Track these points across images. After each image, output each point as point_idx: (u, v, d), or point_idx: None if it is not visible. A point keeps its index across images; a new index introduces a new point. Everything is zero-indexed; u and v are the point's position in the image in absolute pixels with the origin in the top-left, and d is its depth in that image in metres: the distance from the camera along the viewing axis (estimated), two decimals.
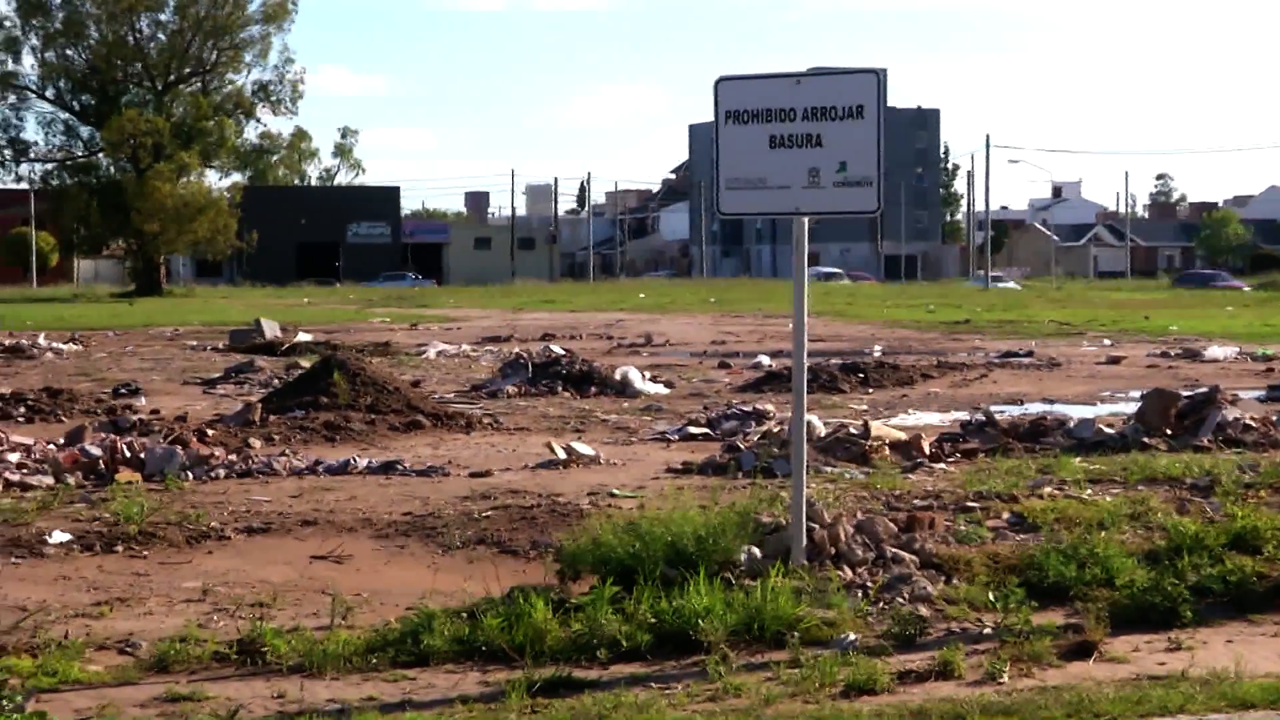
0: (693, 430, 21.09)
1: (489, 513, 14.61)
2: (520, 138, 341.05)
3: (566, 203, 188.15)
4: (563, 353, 31.43)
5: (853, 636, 9.60)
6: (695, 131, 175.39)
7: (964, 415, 22.16)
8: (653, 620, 9.61)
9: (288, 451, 18.94)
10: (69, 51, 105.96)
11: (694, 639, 9.46)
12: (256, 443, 19.55)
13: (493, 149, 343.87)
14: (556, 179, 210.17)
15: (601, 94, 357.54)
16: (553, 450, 18.52)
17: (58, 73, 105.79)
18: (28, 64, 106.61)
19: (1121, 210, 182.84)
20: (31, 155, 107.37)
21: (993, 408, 22.61)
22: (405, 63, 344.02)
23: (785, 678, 8.87)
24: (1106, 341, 42.39)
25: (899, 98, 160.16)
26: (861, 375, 28.83)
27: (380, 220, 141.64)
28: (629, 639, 9.44)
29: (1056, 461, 17.11)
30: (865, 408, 24.48)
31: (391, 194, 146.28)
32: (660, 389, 27.99)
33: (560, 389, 27.33)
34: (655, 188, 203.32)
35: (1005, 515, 13.78)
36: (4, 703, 7.97)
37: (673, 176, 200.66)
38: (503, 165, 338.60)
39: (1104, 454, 17.83)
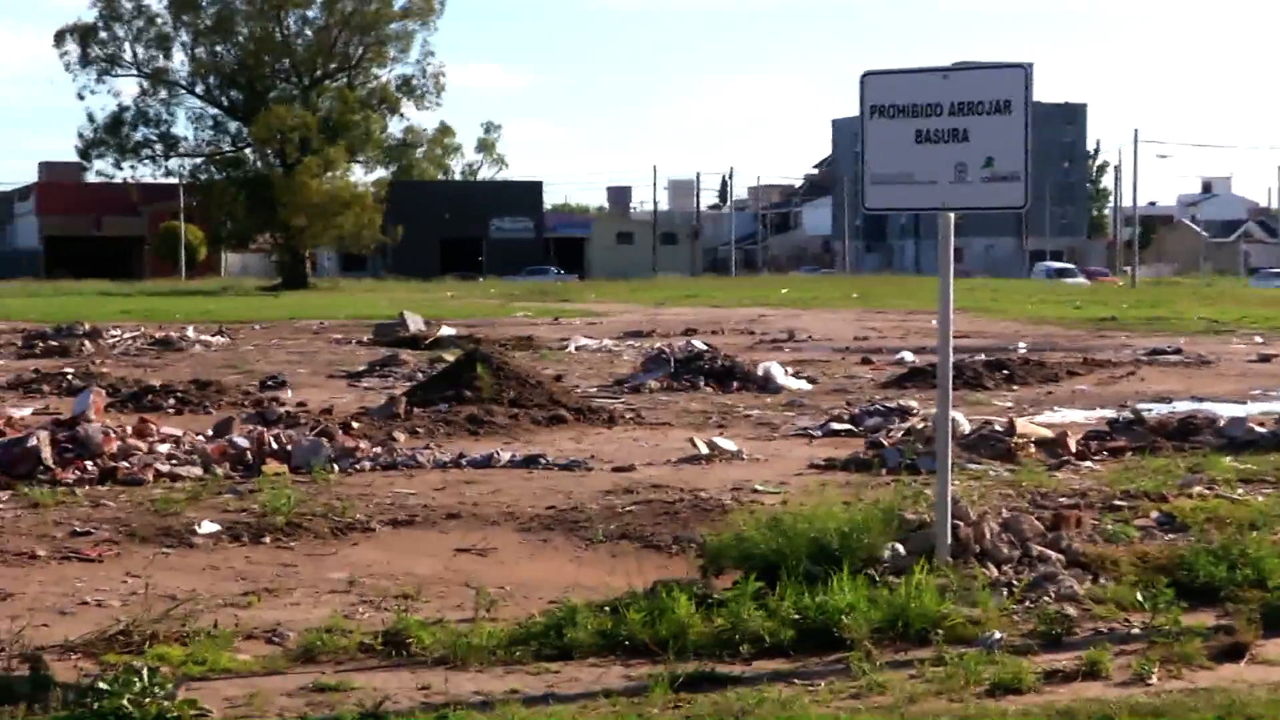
0: (836, 426, 21.00)
1: (632, 507, 14.63)
2: (663, 132, 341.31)
3: (709, 197, 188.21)
4: (705, 348, 31.38)
5: (998, 635, 9.51)
6: (839, 126, 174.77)
7: (1111, 413, 21.89)
8: (796, 616, 9.57)
9: (432, 444, 19.07)
10: (218, 48, 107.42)
11: (837, 636, 9.41)
12: (401, 435, 19.70)
13: (635, 144, 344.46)
14: (699, 174, 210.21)
15: (744, 89, 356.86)
16: (695, 445, 18.52)
17: (207, 69, 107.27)
18: (178, 60, 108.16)
19: (1273, 206, 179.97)
20: (181, 150, 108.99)
21: (1140, 405, 22.35)
22: (549, 58, 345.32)
23: (929, 675, 8.80)
24: (1258, 339, 41.71)
25: (1046, 92, 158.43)
26: (1006, 372, 28.58)
27: (523, 215, 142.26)
28: (772, 635, 9.41)
29: (1206, 460, 16.87)
30: (1010, 404, 24.26)
31: (534, 189, 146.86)
32: (803, 385, 27.88)
33: (702, 384, 27.31)
34: (798, 183, 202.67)
35: (1154, 514, 13.61)
36: (155, 690, 8.08)
37: (815, 171, 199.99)
38: (645, 160, 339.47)
39: (1256, 453, 17.54)
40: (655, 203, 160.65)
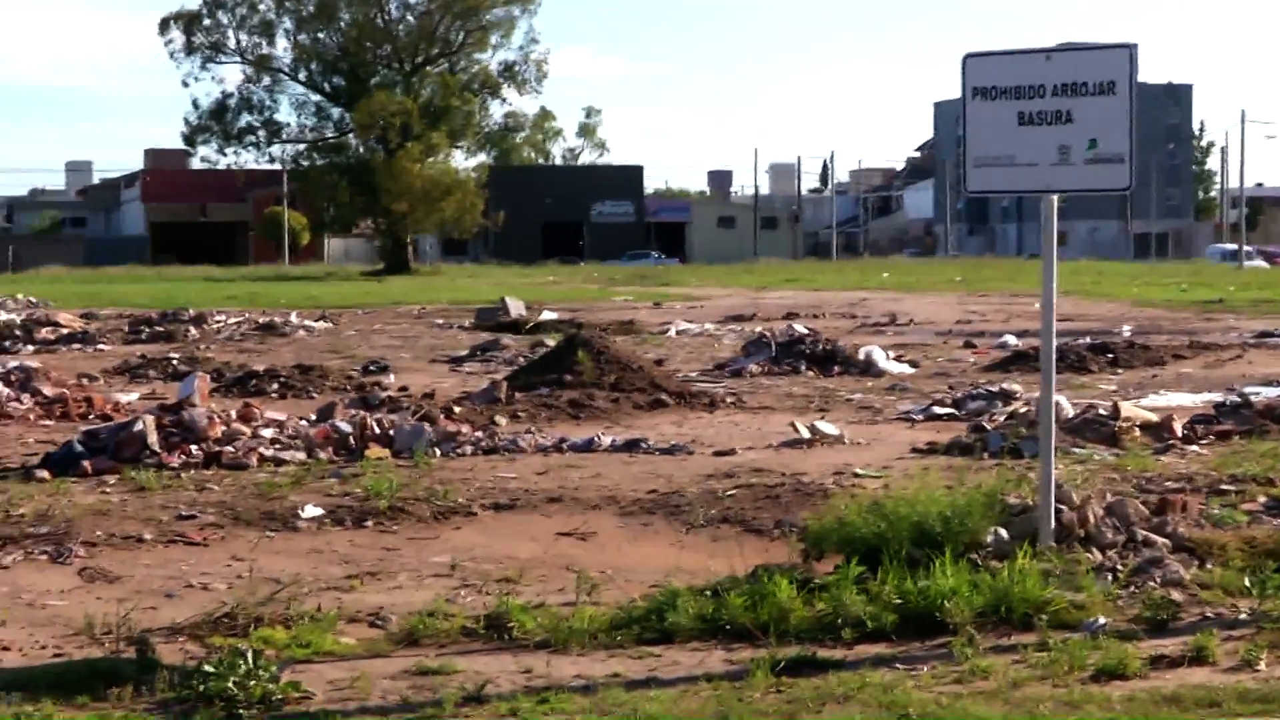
0: (938, 410, 20.89)
1: (733, 491, 14.61)
2: (764, 116, 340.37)
3: (810, 181, 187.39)
4: (806, 331, 31.29)
5: (1102, 620, 9.42)
6: (941, 108, 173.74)
7: (1218, 396, 21.63)
8: (898, 601, 9.52)
9: (533, 429, 19.12)
10: (320, 35, 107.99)
11: (939, 620, 9.35)
12: (503, 420, 19.76)
13: (736, 127, 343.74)
14: (800, 157, 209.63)
15: (846, 71, 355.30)
16: (797, 429, 18.47)
17: (310, 55, 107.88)
18: (281, 47, 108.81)
19: None
20: (284, 136, 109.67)
21: (1247, 389, 22.08)
22: (650, 42, 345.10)
23: (1033, 660, 8.73)
24: None
25: (1151, 74, 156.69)
26: (1110, 355, 28.33)
27: (624, 199, 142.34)
28: (874, 619, 9.37)
29: None
30: (1114, 388, 24.04)
31: (635, 173, 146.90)
32: (905, 368, 27.76)
33: (804, 368, 27.24)
34: (899, 166, 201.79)
35: (1262, 499, 13.44)
36: (260, 673, 8.14)
37: (917, 154, 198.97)
38: (746, 144, 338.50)
39: None
40: (756, 186, 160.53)
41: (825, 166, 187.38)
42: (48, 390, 22.23)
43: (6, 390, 21.86)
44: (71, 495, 14.65)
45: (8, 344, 36.00)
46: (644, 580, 10.98)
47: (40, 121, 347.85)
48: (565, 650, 9.10)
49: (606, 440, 18.00)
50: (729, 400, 22.70)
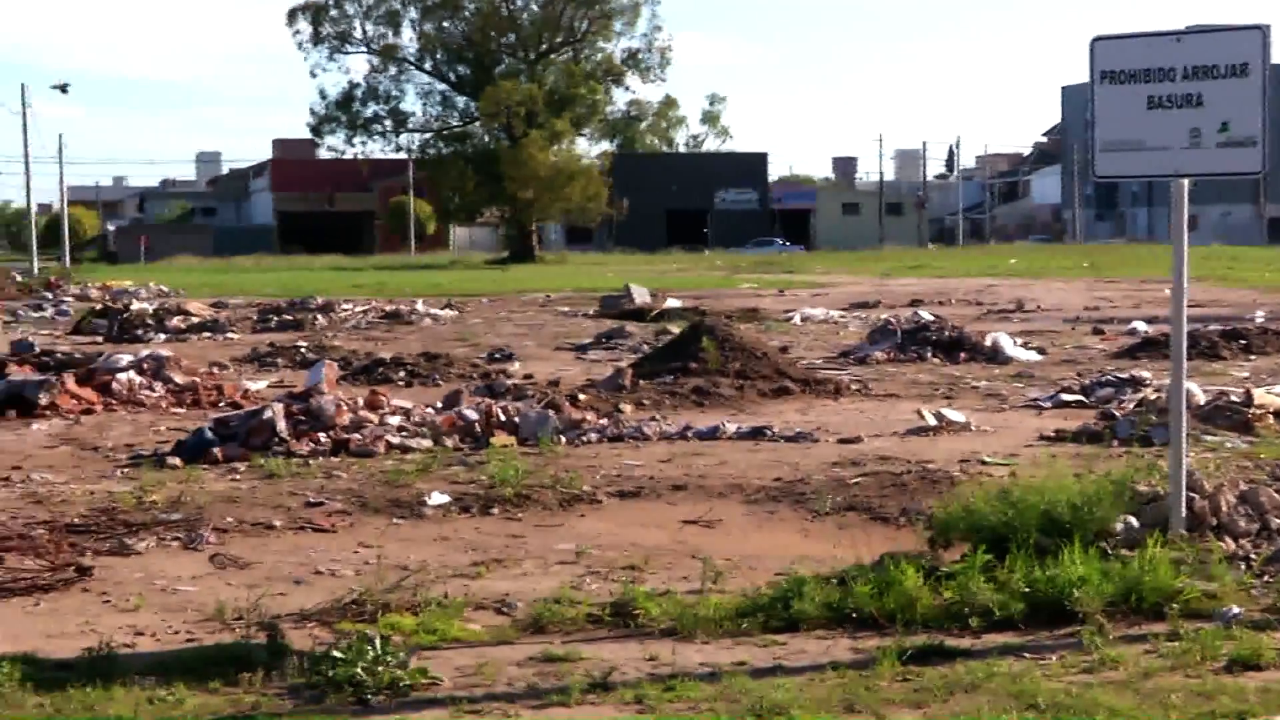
0: (1066, 397, 20.70)
1: (858, 479, 14.55)
2: (889, 102, 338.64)
3: (935, 167, 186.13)
4: (932, 318, 31.14)
5: (1236, 610, 9.29)
6: (1068, 93, 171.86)
7: None
8: (1026, 589, 9.44)
9: (658, 416, 19.13)
10: (446, 24, 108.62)
11: (1068, 609, 9.25)
12: (627, 407, 19.79)
13: (861, 114, 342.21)
14: (925, 143, 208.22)
15: (972, 56, 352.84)
16: (922, 417, 18.37)
17: (435, 45, 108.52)
18: (406, 37, 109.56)
19: None
20: (410, 126, 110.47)
21: None
22: (774, 28, 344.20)
23: (1164, 650, 8.62)
24: None
25: None
26: (1243, 342, 27.94)
27: (748, 186, 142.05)
28: (1002, 608, 9.29)
29: None
30: (1247, 375, 23.71)
31: (759, 160, 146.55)
32: (1032, 355, 27.54)
33: (929, 355, 27.10)
34: (1026, 151, 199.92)
35: None
36: (388, 659, 8.20)
37: (1044, 139, 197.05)
38: (870, 130, 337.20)
39: None
40: (881, 173, 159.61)
41: (951, 152, 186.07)
42: (179, 378, 22.51)
43: (139, 378, 22.15)
44: (202, 482, 14.83)
45: (140, 333, 36.51)
46: (769, 568, 10.95)
47: (172, 113, 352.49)
48: (691, 638, 9.09)
49: (731, 428, 17.98)
50: (854, 387, 22.61)
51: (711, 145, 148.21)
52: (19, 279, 69.53)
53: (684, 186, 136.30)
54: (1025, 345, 28.58)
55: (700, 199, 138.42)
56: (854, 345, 29.74)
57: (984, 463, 15.46)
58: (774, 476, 14.84)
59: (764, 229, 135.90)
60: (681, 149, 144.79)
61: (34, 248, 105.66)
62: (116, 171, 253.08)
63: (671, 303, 43.41)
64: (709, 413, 19.92)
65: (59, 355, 27.12)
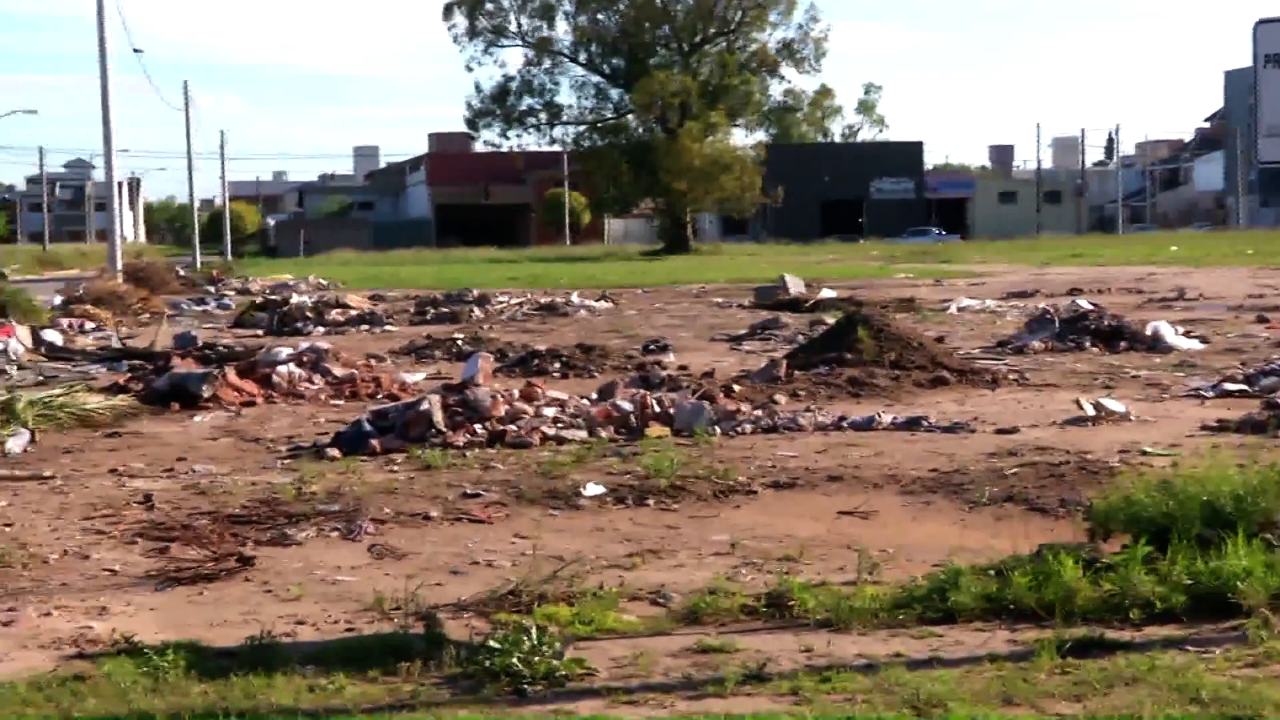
0: (1229, 387, 20.38)
1: (1016, 469, 14.41)
2: (1046, 89, 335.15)
3: (1094, 154, 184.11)
4: (1090, 307, 30.78)
5: None
6: (1231, 77, 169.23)
7: None
8: (1188, 581, 9.29)
9: (813, 407, 19.06)
10: (600, 16, 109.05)
11: (1232, 602, 9.09)
12: (782, 398, 19.74)
13: (1017, 101, 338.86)
14: (1084, 130, 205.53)
15: (1132, 40, 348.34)
16: (1081, 407, 18.16)
17: (589, 37, 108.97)
18: (561, 30, 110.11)
19: None
20: (565, 118, 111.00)
21: None
22: (930, 15, 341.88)
23: None
24: None
25: None
26: None
27: (903, 176, 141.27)
28: (1163, 600, 9.16)
29: None
30: None
31: (915, 149, 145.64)
32: (1194, 344, 27.14)
33: (1088, 344, 26.78)
34: (1188, 137, 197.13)
35: None
36: (544, 649, 8.23)
37: (1206, 125, 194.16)
38: (1027, 117, 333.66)
39: None
40: (1039, 161, 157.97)
41: (1110, 139, 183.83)
42: (337, 371, 22.76)
43: (299, 371, 22.42)
44: (361, 473, 14.98)
45: (299, 325, 37.02)
46: (926, 559, 10.88)
47: (330, 108, 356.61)
48: (846, 629, 9.05)
49: (887, 418, 17.88)
50: (1011, 377, 22.40)
51: (867, 134, 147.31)
52: (182, 273, 70.72)
53: (839, 176, 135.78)
54: (1187, 334, 28.16)
55: (855, 189, 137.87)
56: (1011, 335, 29.46)
57: (1144, 453, 15.25)
58: (930, 467, 14.74)
59: (920, 218, 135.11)
60: (837, 138, 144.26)
61: (196, 242, 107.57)
62: (277, 167, 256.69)
63: (826, 293, 43.25)
64: (864, 403, 19.83)
65: (221, 348, 27.59)
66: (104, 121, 59.85)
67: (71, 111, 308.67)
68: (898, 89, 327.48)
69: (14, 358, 27.02)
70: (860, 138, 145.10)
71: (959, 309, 39.22)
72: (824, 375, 21.72)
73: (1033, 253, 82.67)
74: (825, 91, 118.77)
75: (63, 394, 19.99)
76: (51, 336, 31.48)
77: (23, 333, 30.09)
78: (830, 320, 30.08)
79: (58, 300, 46.04)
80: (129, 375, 23.75)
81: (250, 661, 8.37)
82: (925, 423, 17.63)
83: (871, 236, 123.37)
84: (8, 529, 12.66)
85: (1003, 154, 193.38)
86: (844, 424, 17.72)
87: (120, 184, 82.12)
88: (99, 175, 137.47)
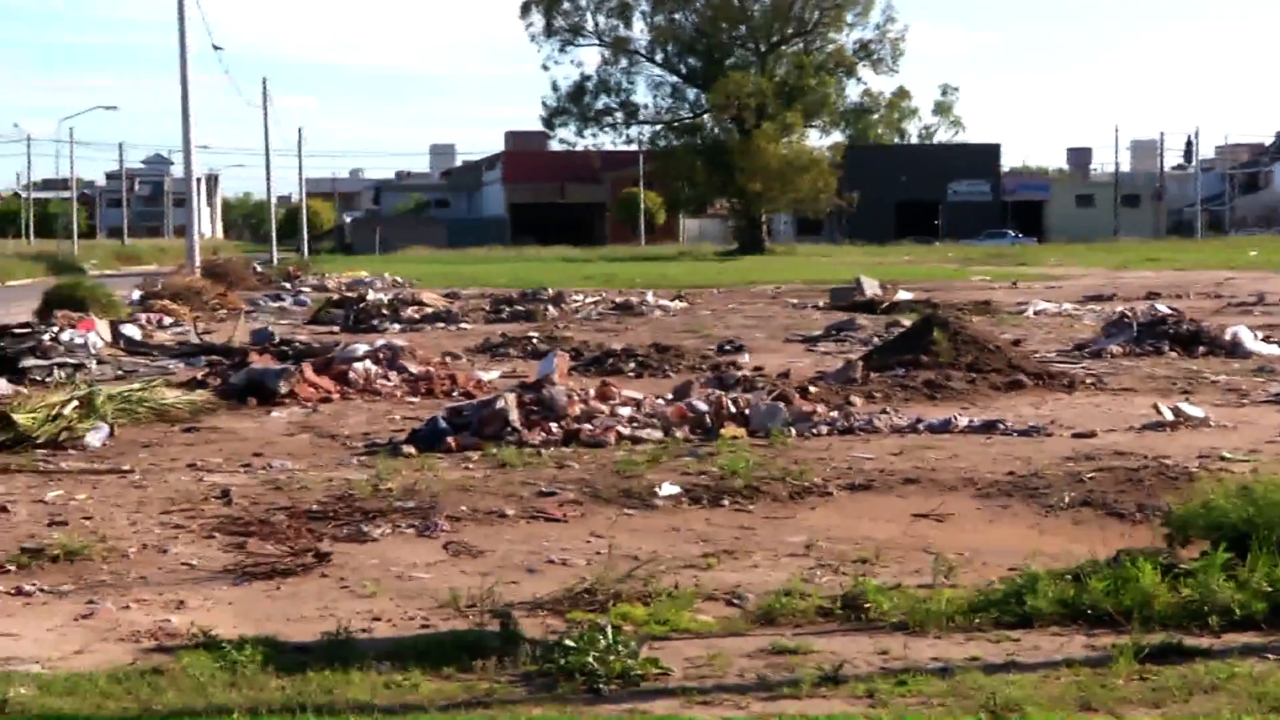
0: None
1: (1093, 474, 14.33)
2: (1124, 91, 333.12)
3: (1172, 157, 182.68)
4: (1169, 311, 30.56)
5: None
6: None
7: None
8: (1268, 589, 9.21)
9: (889, 409, 18.99)
10: (676, 16, 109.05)
11: None
12: (858, 400, 19.68)
13: (1095, 103, 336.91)
14: (1162, 134, 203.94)
15: (1211, 42, 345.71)
16: (1159, 411, 18.04)
17: (666, 37, 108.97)
18: (638, 29, 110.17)
19: None
20: (641, 118, 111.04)
21: None
22: (1007, 17, 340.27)
23: None
24: None
25: None
26: None
27: (980, 178, 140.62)
28: (1243, 607, 9.08)
29: None
30: None
31: (991, 151, 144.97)
32: (1274, 350, 26.89)
33: (1166, 349, 26.60)
34: (1268, 141, 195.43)
35: None
36: (620, 649, 8.24)
37: None
38: (1105, 120, 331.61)
39: None
40: (1116, 164, 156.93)
41: (1189, 142, 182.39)
42: (413, 368, 22.84)
43: (375, 368, 22.52)
44: (436, 470, 15.03)
45: (375, 322, 37.18)
46: (1002, 563, 10.84)
47: (406, 106, 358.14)
48: (922, 632, 9.01)
49: (963, 421, 17.82)
50: (1088, 381, 22.28)
51: (943, 136, 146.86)
52: (259, 269, 71.15)
53: (915, 178, 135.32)
54: (1266, 339, 27.93)
55: (931, 190, 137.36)
56: (1088, 339, 29.31)
57: (1224, 459, 15.14)
58: (1006, 470, 14.67)
59: (996, 220, 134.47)
60: (913, 140, 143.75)
61: (273, 239, 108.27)
62: (353, 164, 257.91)
63: (902, 295, 43.13)
64: (940, 406, 19.76)
65: (297, 344, 27.74)
66: (183, 118, 60.29)
67: (151, 108, 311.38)
68: (975, 90, 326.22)
69: (93, 352, 27.22)
70: (937, 139, 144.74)
71: (1035, 312, 39.04)
72: (900, 377, 21.65)
73: (1109, 256, 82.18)
74: (902, 93, 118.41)
75: (141, 388, 20.15)
76: (130, 331, 31.72)
77: (102, 327, 30.33)
78: (906, 322, 29.99)
79: (136, 295, 46.47)
80: (207, 370, 23.93)
81: (326, 657, 8.41)
82: (1002, 426, 17.55)
83: (947, 239, 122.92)
84: (87, 522, 12.77)
85: (1080, 156, 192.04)
86: (920, 426, 17.66)
87: (199, 180, 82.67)
88: (178, 171, 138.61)
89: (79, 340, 27.56)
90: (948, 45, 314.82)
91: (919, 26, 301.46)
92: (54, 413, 17.46)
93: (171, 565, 11.21)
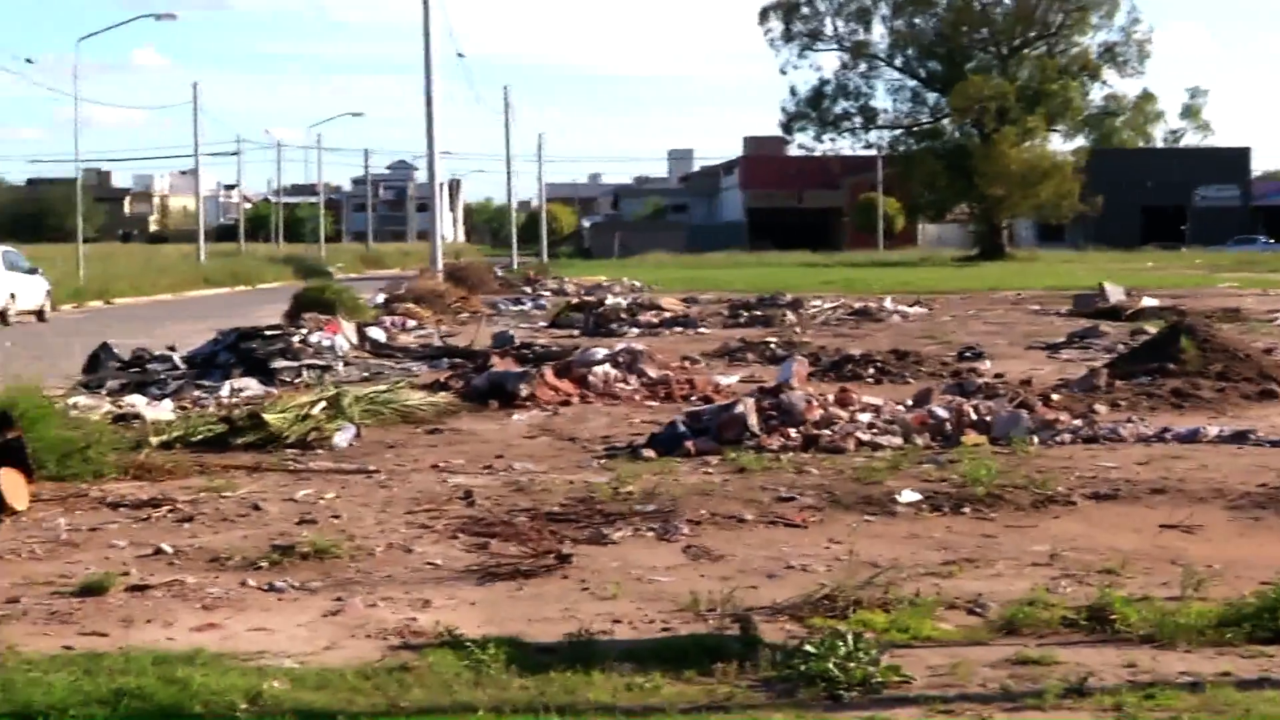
0: None
1: None
2: None
3: None
4: None
5: None
6: None
7: None
8: None
9: (1134, 418, 18.66)
10: (917, 20, 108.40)
11: None
12: (1102, 408, 19.38)
13: None
14: None
15: None
16: None
17: (906, 41, 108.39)
18: (877, 33, 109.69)
19: None
20: (880, 122, 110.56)
21: None
22: (1260, 16, 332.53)
23: None
24: None
25: None
26: None
27: (1229, 182, 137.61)
28: None
29: None
30: None
31: (1241, 155, 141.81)
32: None
33: None
34: None
35: None
36: (860, 655, 8.19)
37: None
38: None
39: None
40: None
41: None
42: (652, 372, 22.95)
43: (614, 371, 22.66)
44: (676, 474, 15.06)
45: (614, 327, 37.43)
46: (1255, 577, 10.57)
47: (645, 111, 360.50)
48: (1171, 646, 8.83)
49: (1212, 431, 17.44)
50: None
51: (1191, 140, 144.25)
52: (500, 273, 72.04)
53: (1161, 183, 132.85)
54: None
55: (1178, 195, 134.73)
56: None
57: None
58: (1259, 482, 14.32)
59: (1246, 226, 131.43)
60: (1159, 144, 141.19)
61: (514, 243, 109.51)
62: (592, 169, 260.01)
63: (1148, 302, 42.39)
64: (1188, 415, 19.37)
65: (537, 348, 28.04)
66: (428, 125, 61.26)
67: (395, 114, 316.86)
68: (1224, 93, 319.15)
69: (340, 354, 27.77)
70: (1184, 143, 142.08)
71: None
72: (1146, 385, 21.27)
73: None
74: (1147, 96, 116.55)
75: (386, 390, 20.50)
76: (375, 334, 32.31)
77: (348, 329, 30.94)
78: (1152, 329, 29.47)
79: (380, 298, 47.31)
80: (449, 373, 24.28)
81: (569, 658, 8.47)
82: (1253, 436, 17.15)
83: (1194, 244, 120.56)
84: (336, 521, 13.01)
85: None
86: (1167, 435, 17.32)
87: (441, 185, 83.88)
88: (421, 177, 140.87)
89: (326, 342, 28.14)
90: (1197, 46, 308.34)
91: (1164, 27, 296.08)
92: (303, 413, 17.85)
93: (416, 564, 11.37)
